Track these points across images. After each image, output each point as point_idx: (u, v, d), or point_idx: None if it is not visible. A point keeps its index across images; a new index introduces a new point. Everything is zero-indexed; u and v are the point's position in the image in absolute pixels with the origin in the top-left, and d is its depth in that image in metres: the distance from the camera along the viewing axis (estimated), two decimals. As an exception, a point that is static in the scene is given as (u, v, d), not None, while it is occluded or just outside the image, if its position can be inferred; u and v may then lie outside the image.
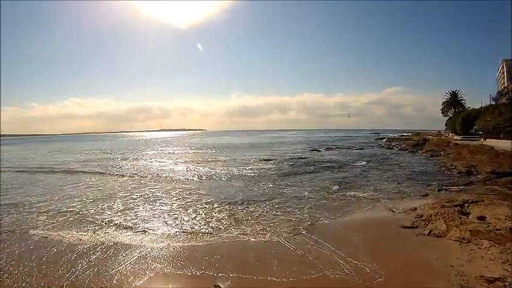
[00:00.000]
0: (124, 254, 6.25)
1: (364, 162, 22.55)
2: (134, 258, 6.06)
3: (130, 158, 30.16)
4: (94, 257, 6.14)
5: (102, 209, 10.21)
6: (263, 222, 8.37)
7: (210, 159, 27.64)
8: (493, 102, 48.52)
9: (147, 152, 38.93)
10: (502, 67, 62.90)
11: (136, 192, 12.93)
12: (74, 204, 10.97)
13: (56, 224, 8.54)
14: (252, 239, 7.07)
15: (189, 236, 7.43)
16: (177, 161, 27.06)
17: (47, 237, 7.41)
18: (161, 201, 11.31)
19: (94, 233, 7.66)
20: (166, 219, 8.85)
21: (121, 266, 5.71)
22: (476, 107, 49.97)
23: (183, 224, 8.42)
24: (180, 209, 10.10)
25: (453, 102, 58.89)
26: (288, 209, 9.69)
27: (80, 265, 5.75)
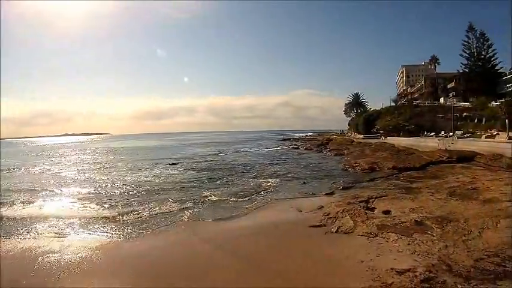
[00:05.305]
0: None
1: (271, 163, 23.62)
2: None
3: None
4: None
5: None
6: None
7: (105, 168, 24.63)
8: (393, 104, 56.23)
9: (35, 161, 32.67)
10: (402, 72, 73.67)
11: None
12: None
13: None
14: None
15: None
16: (62, 171, 22.73)
17: None
18: None
19: None
20: None
21: None
22: (377, 108, 57.03)
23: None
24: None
25: (355, 103, 66.88)
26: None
27: None
